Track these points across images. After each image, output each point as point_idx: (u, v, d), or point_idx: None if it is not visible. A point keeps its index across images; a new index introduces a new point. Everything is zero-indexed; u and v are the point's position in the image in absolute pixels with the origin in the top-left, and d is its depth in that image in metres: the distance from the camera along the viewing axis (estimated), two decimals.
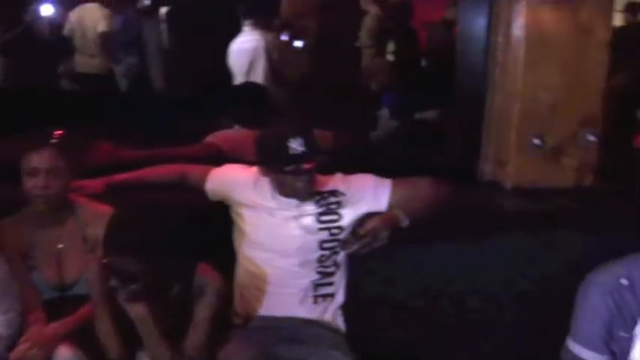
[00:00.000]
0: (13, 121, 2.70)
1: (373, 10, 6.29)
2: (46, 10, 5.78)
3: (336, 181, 2.36)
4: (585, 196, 2.83)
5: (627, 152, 3.61)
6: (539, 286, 2.43)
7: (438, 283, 2.43)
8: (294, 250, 2.27)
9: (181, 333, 1.99)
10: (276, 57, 4.27)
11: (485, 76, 2.95)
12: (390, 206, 2.31)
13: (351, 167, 2.44)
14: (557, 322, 1.77)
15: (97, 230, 1.98)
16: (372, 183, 2.36)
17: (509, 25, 2.84)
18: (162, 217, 1.90)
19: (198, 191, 2.41)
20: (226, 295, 2.13)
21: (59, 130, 2.19)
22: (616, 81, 4.20)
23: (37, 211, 2.18)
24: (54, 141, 2.15)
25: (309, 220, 2.28)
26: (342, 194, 2.32)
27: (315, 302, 2.29)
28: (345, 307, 2.34)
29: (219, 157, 2.73)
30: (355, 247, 2.24)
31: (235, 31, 4.39)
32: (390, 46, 6.17)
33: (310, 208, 2.29)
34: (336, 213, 2.30)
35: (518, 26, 2.80)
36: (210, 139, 3.12)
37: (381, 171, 2.42)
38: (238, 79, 4.24)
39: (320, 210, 2.29)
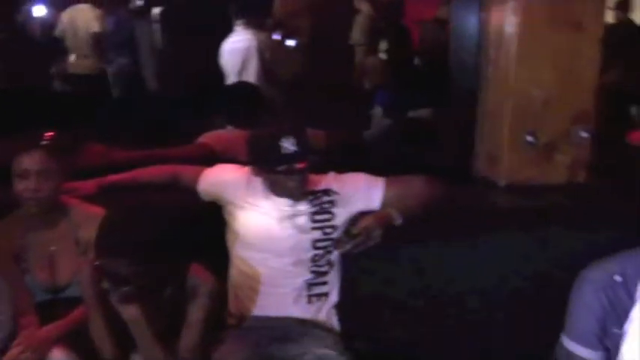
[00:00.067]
0: (4, 123, 2.68)
1: (365, 8, 6.30)
2: (38, 11, 5.76)
3: (329, 181, 2.35)
4: (578, 192, 2.84)
5: (620, 149, 3.61)
6: (532, 283, 2.43)
7: (437, 282, 2.42)
8: (287, 250, 2.26)
9: (175, 334, 1.98)
10: (269, 56, 4.25)
11: (478, 74, 2.96)
12: (384, 205, 2.31)
13: (345, 166, 2.44)
14: (551, 318, 1.76)
15: (90, 232, 1.96)
16: (365, 182, 2.36)
17: (501, 23, 2.84)
18: (154, 219, 1.89)
19: (191, 192, 2.40)
20: (220, 296, 2.12)
21: (50, 131, 2.18)
22: (608, 77, 4.22)
23: (28, 214, 2.17)
24: (45, 143, 2.14)
25: (302, 220, 2.27)
26: (336, 193, 2.32)
27: (309, 302, 2.29)
28: (340, 307, 2.33)
29: (212, 158, 2.72)
30: (348, 246, 2.24)
31: (228, 31, 4.37)
32: (383, 45, 6.17)
33: (303, 207, 2.28)
34: (329, 212, 2.29)
35: (511, 23, 2.80)
36: (202, 139, 3.10)
37: (374, 170, 2.41)
38: (231, 78, 4.22)
39: (313, 209, 2.28)
